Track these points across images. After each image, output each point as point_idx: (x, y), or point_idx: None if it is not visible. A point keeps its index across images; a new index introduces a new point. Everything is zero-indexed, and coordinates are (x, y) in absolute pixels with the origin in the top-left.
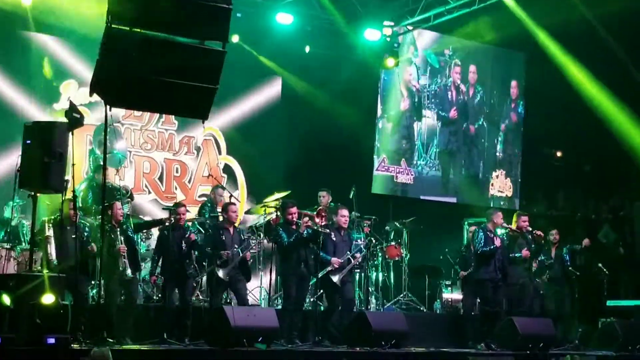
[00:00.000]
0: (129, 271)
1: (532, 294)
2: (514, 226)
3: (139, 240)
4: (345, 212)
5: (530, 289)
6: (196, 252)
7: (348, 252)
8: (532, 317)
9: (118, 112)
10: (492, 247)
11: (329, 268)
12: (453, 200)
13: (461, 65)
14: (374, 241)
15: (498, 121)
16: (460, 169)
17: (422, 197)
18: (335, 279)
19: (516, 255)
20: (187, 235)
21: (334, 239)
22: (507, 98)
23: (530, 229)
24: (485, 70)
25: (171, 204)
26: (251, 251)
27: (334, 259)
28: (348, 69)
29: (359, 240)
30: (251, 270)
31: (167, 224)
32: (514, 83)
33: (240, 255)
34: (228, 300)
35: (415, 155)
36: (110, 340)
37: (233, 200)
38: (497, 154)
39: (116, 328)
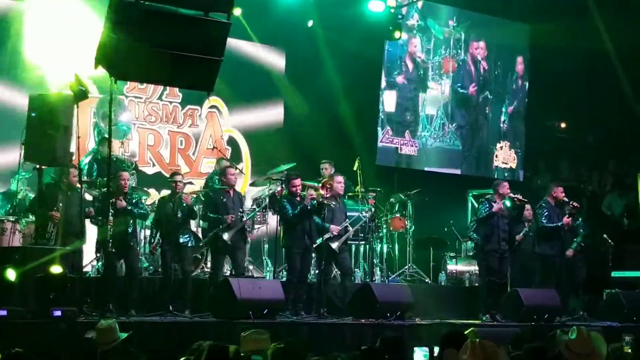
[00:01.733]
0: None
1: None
2: (549, 198)
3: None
4: (340, 178)
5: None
6: (199, 221)
7: (347, 220)
8: (537, 289)
9: (122, 84)
10: (488, 211)
11: (328, 235)
12: (457, 172)
13: (466, 37)
14: (369, 212)
15: (502, 93)
16: (470, 141)
17: (426, 169)
18: (334, 245)
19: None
20: (183, 201)
21: (332, 206)
22: (511, 71)
23: (567, 199)
24: (490, 42)
25: (170, 175)
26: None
27: (332, 227)
28: (352, 41)
29: (363, 212)
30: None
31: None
32: (519, 59)
33: (243, 220)
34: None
35: (419, 127)
36: (116, 312)
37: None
38: (501, 125)
39: (121, 300)
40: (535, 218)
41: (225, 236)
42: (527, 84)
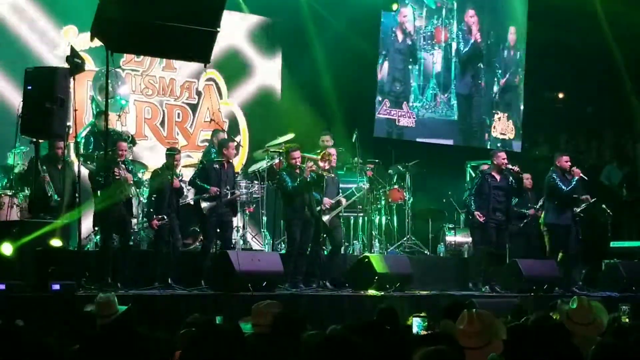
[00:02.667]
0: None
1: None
2: (554, 167)
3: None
4: (333, 151)
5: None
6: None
7: (340, 194)
8: (536, 259)
9: (118, 57)
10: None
11: (319, 207)
12: (450, 142)
13: (458, 6)
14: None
15: (494, 63)
16: (466, 111)
17: (418, 140)
18: (325, 218)
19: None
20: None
21: (326, 179)
22: (503, 41)
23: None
24: (482, 11)
25: (167, 149)
26: (249, 201)
27: (325, 199)
28: (349, 10)
29: (360, 184)
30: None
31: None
32: (512, 29)
33: (229, 197)
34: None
35: (411, 97)
36: (114, 285)
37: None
38: (494, 96)
39: (119, 273)
40: (546, 187)
41: (204, 205)
42: (519, 54)
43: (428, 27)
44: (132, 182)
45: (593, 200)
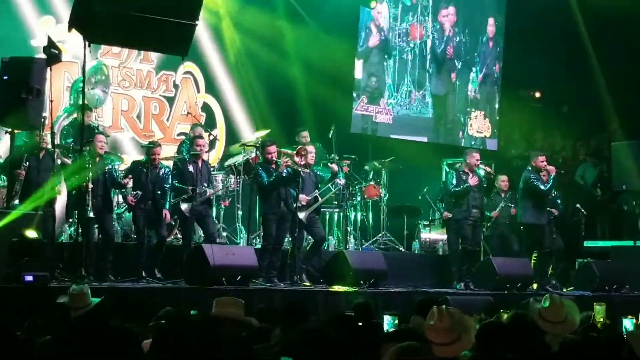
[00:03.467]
0: (91, 214)
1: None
2: (530, 167)
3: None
4: (311, 148)
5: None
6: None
7: (316, 190)
8: (510, 257)
9: (95, 48)
10: (464, 186)
11: (296, 204)
12: (424, 139)
13: (434, 3)
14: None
15: (471, 60)
16: (442, 108)
17: (392, 136)
18: (302, 215)
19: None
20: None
21: (303, 175)
22: (482, 34)
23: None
24: (459, 6)
25: (148, 142)
26: (225, 195)
27: (301, 196)
28: (329, 5)
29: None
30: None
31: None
32: (490, 20)
33: (207, 194)
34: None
35: (386, 94)
36: (88, 277)
37: (205, 136)
38: (469, 93)
39: (94, 265)
40: (523, 187)
41: (184, 207)
42: (498, 49)
43: (403, 24)
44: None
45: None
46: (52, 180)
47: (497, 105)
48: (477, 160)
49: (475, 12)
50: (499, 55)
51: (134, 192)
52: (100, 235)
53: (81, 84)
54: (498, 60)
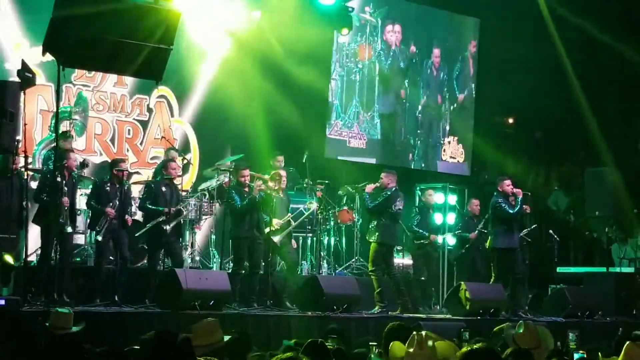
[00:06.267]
0: (68, 228)
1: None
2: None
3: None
4: (283, 172)
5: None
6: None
7: (289, 214)
8: (483, 283)
9: (69, 72)
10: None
11: (269, 228)
12: (372, 161)
13: (382, 22)
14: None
15: (419, 82)
16: (390, 130)
17: (339, 158)
18: (276, 239)
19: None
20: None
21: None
22: (427, 59)
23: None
24: (406, 27)
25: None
26: (197, 219)
27: (275, 220)
28: (303, 31)
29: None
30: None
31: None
32: (436, 51)
33: (181, 215)
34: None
35: (333, 115)
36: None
37: (178, 160)
38: (419, 115)
39: (65, 289)
40: (491, 212)
41: (167, 227)
42: (442, 74)
43: (351, 45)
44: (67, 205)
45: (534, 226)
46: None
47: (470, 131)
48: (431, 196)
49: (423, 36)
50: (472, 80)
51: (110, 204)
52: (63, 258)
53: (63, 113)
54: (471, 86)
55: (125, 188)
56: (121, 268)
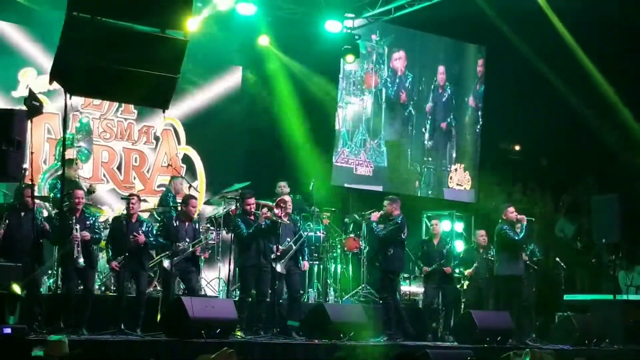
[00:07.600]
0: (81, 260)
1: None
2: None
3: (99, 229)
4: (287, 198)
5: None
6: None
7: (288, 240)
8: (490, 311)
9: (77, 100)
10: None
11: (273, 255)
12: (379, 188)
13: (388, 51)
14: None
15: (425, 108)
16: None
17: (346, 185)
18: (279, 267)
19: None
20: (134, 237)
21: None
22: (434, 81)
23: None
24: (411, 54)
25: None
26: (204, 247)
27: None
28: (309, 59)
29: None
30: (200, 263)
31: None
32: (441, 68)
33: (191, 249)
34: (181, 292)
35: (340, 142)
36: (67, 329)
37: (193, 192)
38: (425, 142)
39: (73, 317)
40: (496, 239)
41: (165, 264)
42: (448, 101)
43: (358, 72)
44: (77, 240)
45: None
46: None
47: (477, 158)
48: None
49: (428, 61)
50: (479, 107)
51: (120, 258)
52: (81, 288)
53: (67, 141)
54: (477, 113)
55: (144, 225)
56: (138, 300)
